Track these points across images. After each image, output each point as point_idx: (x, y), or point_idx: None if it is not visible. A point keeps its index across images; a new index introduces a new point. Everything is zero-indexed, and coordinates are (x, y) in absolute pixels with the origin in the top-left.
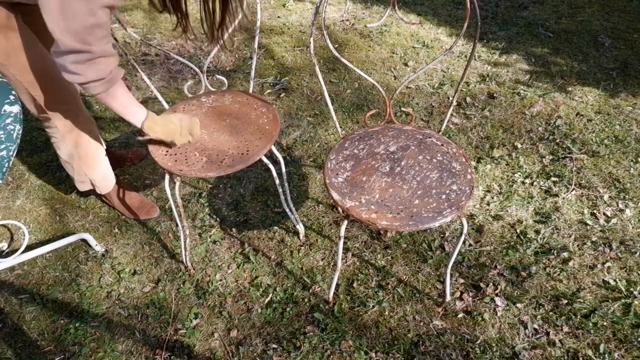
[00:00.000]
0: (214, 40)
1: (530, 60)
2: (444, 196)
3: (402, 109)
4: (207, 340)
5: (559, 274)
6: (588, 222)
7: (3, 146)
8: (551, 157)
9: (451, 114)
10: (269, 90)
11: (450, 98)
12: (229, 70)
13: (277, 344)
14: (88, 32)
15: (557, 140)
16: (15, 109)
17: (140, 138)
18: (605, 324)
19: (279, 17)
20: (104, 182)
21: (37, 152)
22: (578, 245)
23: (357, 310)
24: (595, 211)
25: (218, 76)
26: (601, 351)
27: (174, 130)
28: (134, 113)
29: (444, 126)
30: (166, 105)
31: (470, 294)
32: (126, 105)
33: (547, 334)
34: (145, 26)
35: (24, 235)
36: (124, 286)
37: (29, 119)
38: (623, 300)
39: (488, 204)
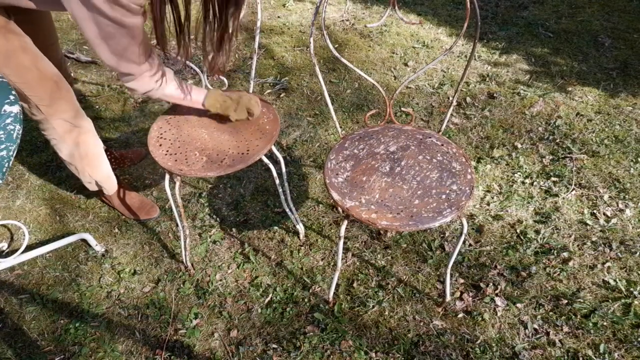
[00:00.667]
0: (212, 63)
1: (530, 60)
2: (444, 196)
3: (402, 109)
4: (207, 340)
5: (559, 274)
6: (588, 222)
7: (3, 146)
8: (551, 157)
9: (451, 114)
10: (269, 90)
11: (450, 98)
12: (229, 70)
13: (277, 344)
14: (132, 52)
15: (557, 140)
16: (15, 109)
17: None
18: (605, 324)
19: (279, 17)
20: (108, 182)
21: (37, 152)
22: (578, 245)
23: (357, 310)
24: (595, 211)
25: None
26: (601, 351)
27: (230, 106)
28: (193, 101)
29: (444, 126)
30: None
31: (470, 294)
32: (183, 99)
33: (547, 334)
34: (145, 26)
35: (24, 235)
36: (124, 286)
37: (29, 119)
38: (623, 300)
39: (488, 204)
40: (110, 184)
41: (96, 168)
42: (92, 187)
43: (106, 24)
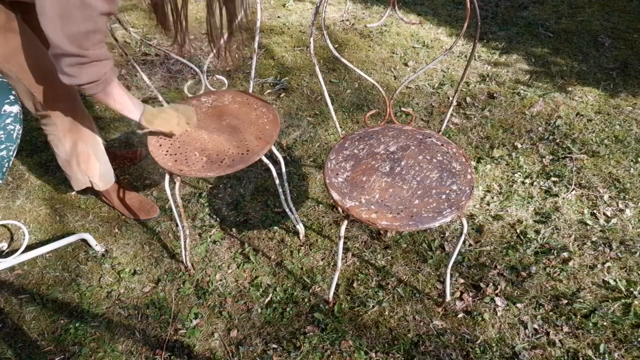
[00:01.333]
0: (219, 53)
1: (530, 60)
2: (444, 196)
3: (402, 109)
4: (207, 340)
5: (559, 274)
6: (588, 222)
7: (3, 146)
8: (551, 157)
9: (451, 114)
10: (269, 90)
11: (450, 98)
12: (229, 70)
13: (277, 344)
14: (85, 37)
15: (557, 140)
16: (15, 109)
17: (139, 131)
18: (605, 324)
19: (279, 17)
20: (102, 179)
21: (37, 152)
22: (578, 245)
23: (357, 310)
24: (595, 211)
25: (218, 76)
26: (601, 351)
27: (171, 120)
28: (131, 110)
29: (444, 126)
30: (166, 105)
31: (470, 294)
32: (122, 103)
33: (547, 334)
34: (145, 26)
35: (24, 235)
36: (124, 286)
37: (29, 119)
38: (623, 300)
39: (488, 204)
40: (104, 182)
41: (93, 165)
42: (80, 186)
43: (74, 4)
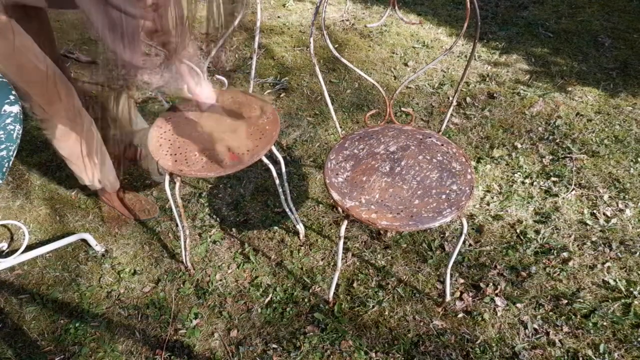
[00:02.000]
0: (211, 42)
1: (530, 60)
2: (444, 196)
3: (402, 109)
4: (207, 340)
5: (559, 274)
6: (588, 222)
7: (3, 146)
8: (551, 157)
9: (451, 114)
10: (269, 90)
11: (450, 98)
12: (229, 70)
13: (277, 344)
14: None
15: (557, 140)
16: (15, 109)
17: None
18: (605, 324)
19: (279, 17)
20: (110, 180)
21: (37, 152)
22: (578, 245)
23: (357, 310)
24: (595, 211)
25: (218, 76)
26: (601, 351)
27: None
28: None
29: (444, 126)
30: (166, 105)
31: (470, 294)
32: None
33: (547, 334)
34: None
35: (24, 235)
36: (124, 286)
37: (29, 119)
38: (623, 300)
39: (488, 204)
40: (112, 182)
41: (98, 166)
42: (94, 187)
43: (119, 16)
